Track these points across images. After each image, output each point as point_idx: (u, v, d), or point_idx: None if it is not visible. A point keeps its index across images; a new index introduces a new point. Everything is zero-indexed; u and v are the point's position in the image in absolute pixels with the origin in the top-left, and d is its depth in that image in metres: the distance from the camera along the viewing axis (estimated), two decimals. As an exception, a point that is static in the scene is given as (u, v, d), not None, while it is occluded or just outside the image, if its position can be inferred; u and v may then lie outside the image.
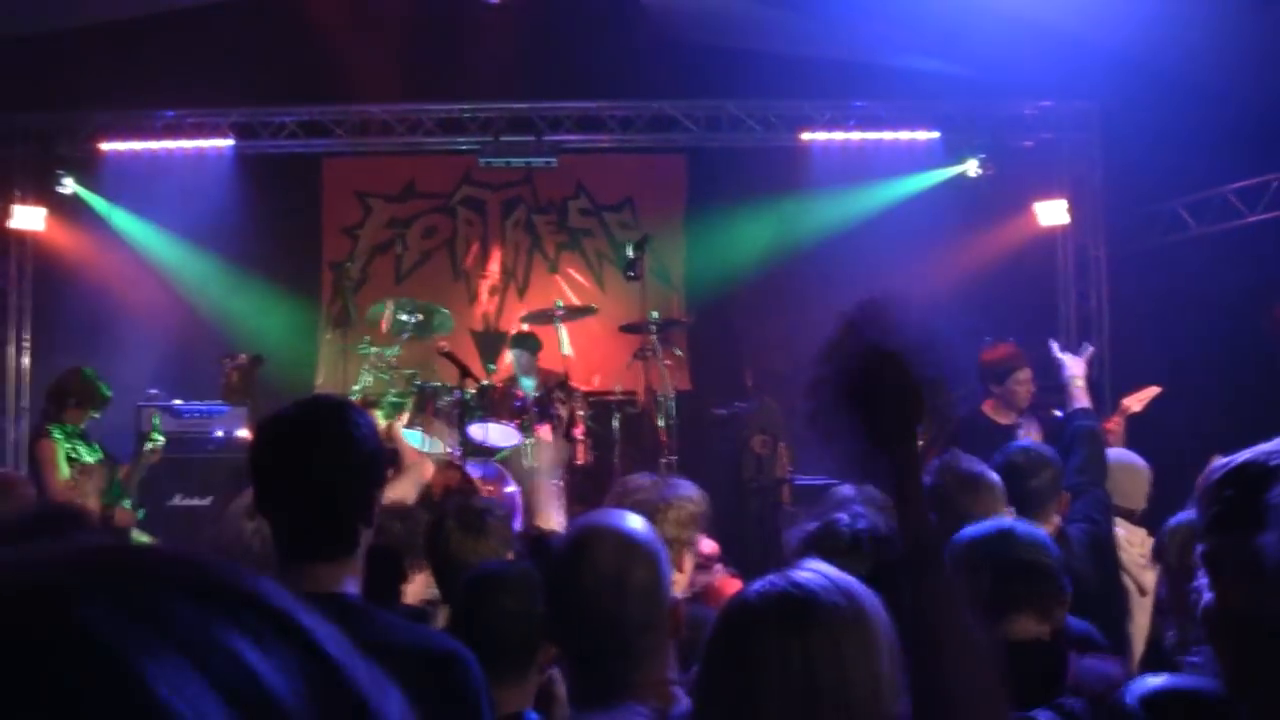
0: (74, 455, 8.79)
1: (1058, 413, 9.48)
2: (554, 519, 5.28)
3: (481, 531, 4.44)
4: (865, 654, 2.10)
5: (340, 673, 0.68)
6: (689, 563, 4.36)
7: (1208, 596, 1.98)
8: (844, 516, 3.48)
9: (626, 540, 2.82)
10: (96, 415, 9.36)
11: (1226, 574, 1.89)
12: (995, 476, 4.87)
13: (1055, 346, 7.04)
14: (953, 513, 4.51)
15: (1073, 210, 13.32)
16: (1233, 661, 1.97)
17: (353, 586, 2.97)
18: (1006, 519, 4.17)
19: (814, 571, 2.23)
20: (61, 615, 0.60)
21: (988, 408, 8.76)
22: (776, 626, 2.12)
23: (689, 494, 4.80)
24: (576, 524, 3.09)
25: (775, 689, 2.06)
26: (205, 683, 0.60)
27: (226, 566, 0.69)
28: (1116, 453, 6.86)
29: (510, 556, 4.66)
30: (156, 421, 9.42)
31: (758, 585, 2.22)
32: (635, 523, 2.94)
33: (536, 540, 4.81)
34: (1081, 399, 6.29)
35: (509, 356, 12.43)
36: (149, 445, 8.91)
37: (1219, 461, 1.91)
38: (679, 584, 4.28)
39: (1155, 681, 2.56)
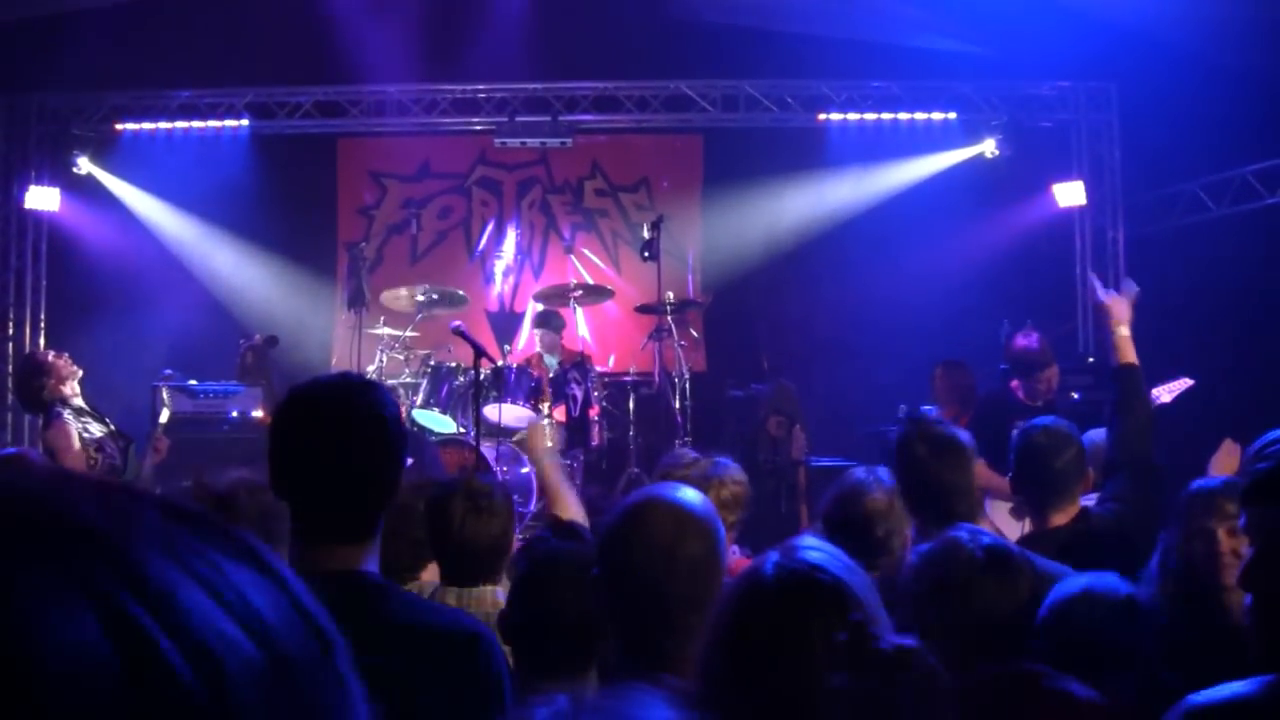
0: (85, 434, 8.77)
1: (1075, 395, 9.48)
2: (571, 504, 5.24)
3: (488, 511, 4.37)
4: (881, 624, 2.14)
5: (313, 616, 0.69)
6: (729, 542, 4.34)
7: (1246, 560, 1.98)
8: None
9: (682, 512, 2.78)
10: (79, 371, 9.16)
11: (1260, 541, 1.88)
12: (966, 436, 4.65)
13: (1096, 285, 6.07)
14: (923, 478, 4.44)
15: (1090, 191, 13.26)
16: (1264, 623, 1.96)
17: (373, 565, 2.95)
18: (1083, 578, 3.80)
19: (819, 549, 2.25)
20: (67, 519, 0.63)
21: (1015, 387, 8.85)
22: (816, 611, 2.11)
23: (736, 475, 4.77)
24: (633, 495, 3.05)
25: (821, 666, 2.06)
26: (194, 584, 0.62)
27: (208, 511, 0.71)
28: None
29: (517, 538, 4.62)
30: (165, 397, 9.46)
31: (772, 571, 2.21)
32: (692, 496, 2.91)
33: (559, 525, 4.78)
34: (1127, 353, 5.49)
35: (531, 334, 12.45)
36: (159, 424, 8.93)
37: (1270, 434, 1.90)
38: None
39: (1199, 697, 2.54)
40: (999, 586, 3.21)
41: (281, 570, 0.70)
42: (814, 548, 2.25)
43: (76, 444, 8.62)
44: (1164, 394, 8.52)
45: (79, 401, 8.89)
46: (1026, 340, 8.86)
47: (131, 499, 0.67)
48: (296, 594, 0.69)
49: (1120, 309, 5.58)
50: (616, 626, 2.87)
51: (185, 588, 0.62)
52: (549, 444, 5.77)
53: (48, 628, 0.57)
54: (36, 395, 8.83)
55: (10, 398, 13.29)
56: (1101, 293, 5.85)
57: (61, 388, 8.86)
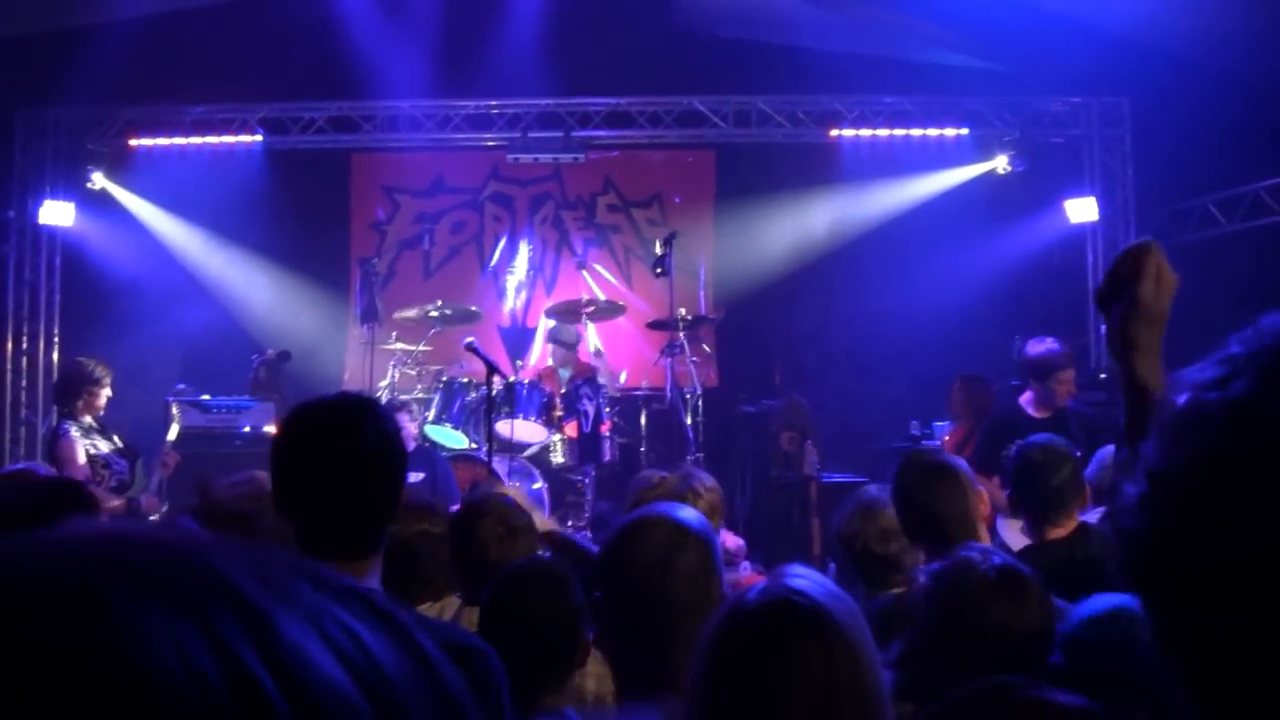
0: (93, 450, 8.82)
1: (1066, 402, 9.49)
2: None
3: (517, 535, 4.43)
4: (868, 650, 2.15)
5: (439, 669, 0.70)
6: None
7: None
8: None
9: (678, 526, 2.84)
10: (108, 393, 9.32)
11: None
12: (960, 462, 4.70)
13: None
14: (917, 508, 4.44)
15: (1102, 207, 13.25)
16: None
17: (375, 582, 2.97)
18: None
19: (804, 576, 2.25)
20: (208, 572, 0.65)
21: (1025, 401, 8.82)
22: (793, 633, 2.12)
23: (708, 484, 4.81)
24: (631, 513, 3.10)
25: (800, 695, 2.07)
26: (323, 644, 0.64)
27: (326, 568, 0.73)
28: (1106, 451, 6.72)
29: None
30: (175, 412, 9.54)
31: (754, 595, 2.22)
32: (688, 513, 2.97)
33: (556, 539, 4.79)
34: None
35: (545, 348, 12.46)
36: (169, 439, 9.04)
37: None
38: None
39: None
40: (1011, 606, 3.22)
41: (413, 630, 0.71)
42: (800, 575, 2.26)
43: (82, 458, 8.68)
44: None
45: (89, 419, 8.94)
46: (1045, 343, 8.91)
47: (274, 561, 0.69)
48: (425, 654, 0.70)
49: None
50: (617, 642, 2.90)
51: (306, 639, 0.63)
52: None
53: (164, 657, 0.59)
54: (73, 400, 8.93)
55: (23, 410, 13.36)
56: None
57: (97, 402, 8.99)
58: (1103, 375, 11.03)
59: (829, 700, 2.09)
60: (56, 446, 8.81)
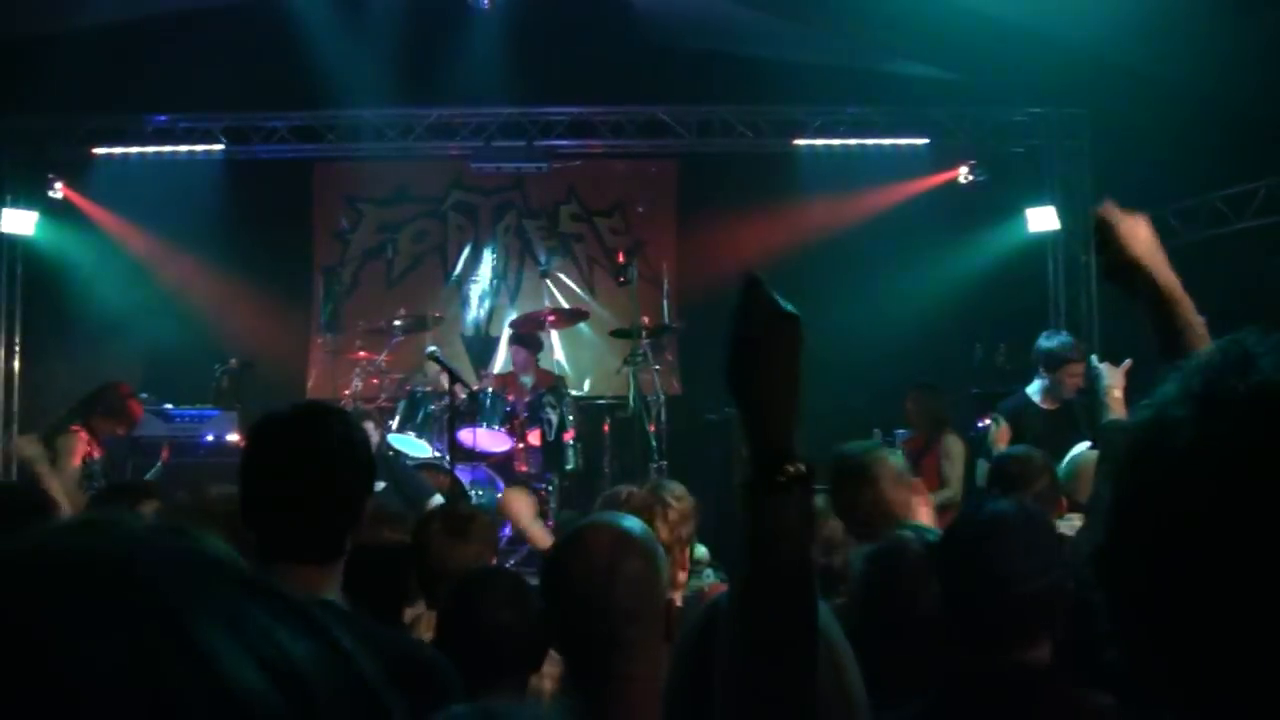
0: (89, 459, 8.88)
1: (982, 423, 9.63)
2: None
3: (464, 535, 4.44)
4: (846, 653, 2.18)
5: (356, 666, 0.73)
6: (687, 560, 4.41)
7: None
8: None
9: (621, 532, 2.86)
10: (121, 432, 9.46)
11: None
12: (868, 456, 4.83)
13: (1094, 358, 6.94)
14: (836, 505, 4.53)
15: (1062, 216, 13.33)
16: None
17: (336, 591, 2.99)
18: None
19: None
20: (133, 579, 0.68)
21: (1034, 391, 9.02)
22: None
23: (677, 492, 4.84)
24: (576, 522, 3.13)
25: None
26: (241, 646, 0.67)
27: (249, 565, 0.76)
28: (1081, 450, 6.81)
29: (494, 562, 4.68)
30: None
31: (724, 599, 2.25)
32: (631, 521, 2.99)
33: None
34: (1116, 410, 6.15)
35: (507, 356, 12.46)
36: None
37: None
38: (680, 581, 4.31)
39: None
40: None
41: (331, 628, 0.74)
42: None
43: (78, 459, 8.74)
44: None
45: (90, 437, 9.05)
46: (1058, 336, 9.17)
47: (202, 565, 0.72)
48: (344, 651, 0.73)
49: (1114, 377, 6.07)
50: (563, 646, 2.93)
51: (222, 640, 0.66)
52: (525, 508, 5.81)
53: (82, 660, 0.63)
54: (99, 414, 8.99)
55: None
56: (1097, 364, 6.33)
57: (113, 430, 9.04)
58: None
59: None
60: (63, 436, 8.85)
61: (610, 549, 2.79)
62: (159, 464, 10.24)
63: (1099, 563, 1.03)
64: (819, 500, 4.72)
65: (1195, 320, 2.70)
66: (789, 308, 2.00)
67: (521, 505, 5.92)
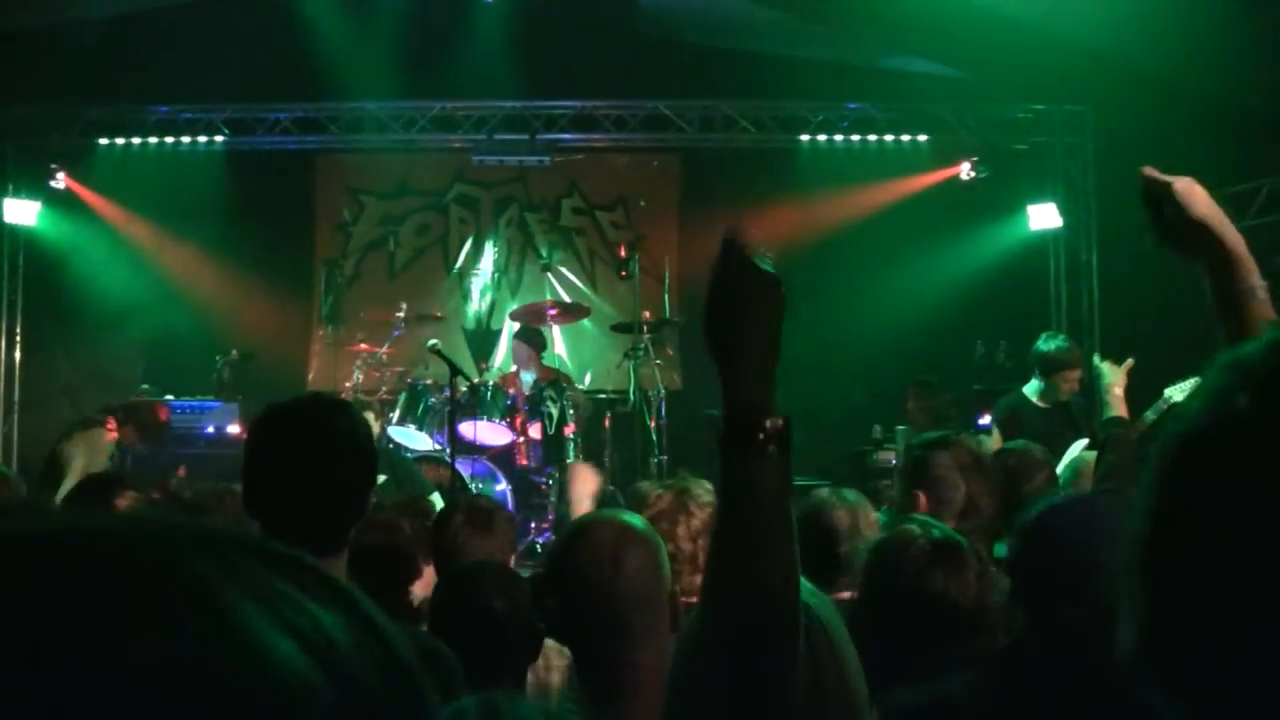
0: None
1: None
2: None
3: (488, 529, 4.48)
4: (848, 647, 2.18)
5: (395, 647, 0.71)
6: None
7: None
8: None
9: (624, 526, 2.88)
10: (141, 447, 9.48)
11: None
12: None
13: (1095, 356, 6.93)
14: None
15: (1064, 213, 13.33)
16: None
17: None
18: None
19: None
20: (171, 563, 0.67)
21: (1031, 390, 9.01)
22: None
23: (704, 498, 4.81)
24: (578, 518, 3.17)
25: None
26: (285, 628, 0.65)
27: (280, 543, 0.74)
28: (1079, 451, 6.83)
29: (513, 559, 4.72)
30: None
31: None
32: (633, 516, 3.02)
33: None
34: (1117, 407, 6.16)
35: (510, 350, 12.46)
36: None
37: None
38: (697, 585, 4.31)
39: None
40: (948, 576, 3.24)
41: (364, 603, 0.72)
42: None
43: (103, 458, 8.77)
44: (1177, 393, 8.64)
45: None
46: (1056, 340, 9.14)
47: (223, 541, 0.71)
48: (378, 626, 0.72)
49: (1114, 375, 6.07)
50: (569, 635, 2.94)
51: (262, 621, 0.65)
52: (590, 485, 5.78)
53: (123, 649, 0.61)
54: (133, 424, 9.03)
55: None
56: (1098, 362, 6.38)
57: (138, 444, 9.08)
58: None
59: (817, 699, 2.13)
60: (91, 429, 8.91)
61: (614, 540, 2.81)
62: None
63: (1137, 555, 1.01)
64: (825, 492, 4.72)
65: (1259, 284, 2.64)
66: (768, 268, 1.96)
67: (587, 481, 5.89)
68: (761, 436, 1.80)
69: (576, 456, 11.40)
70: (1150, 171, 2.72)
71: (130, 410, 9.37)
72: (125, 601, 0.63)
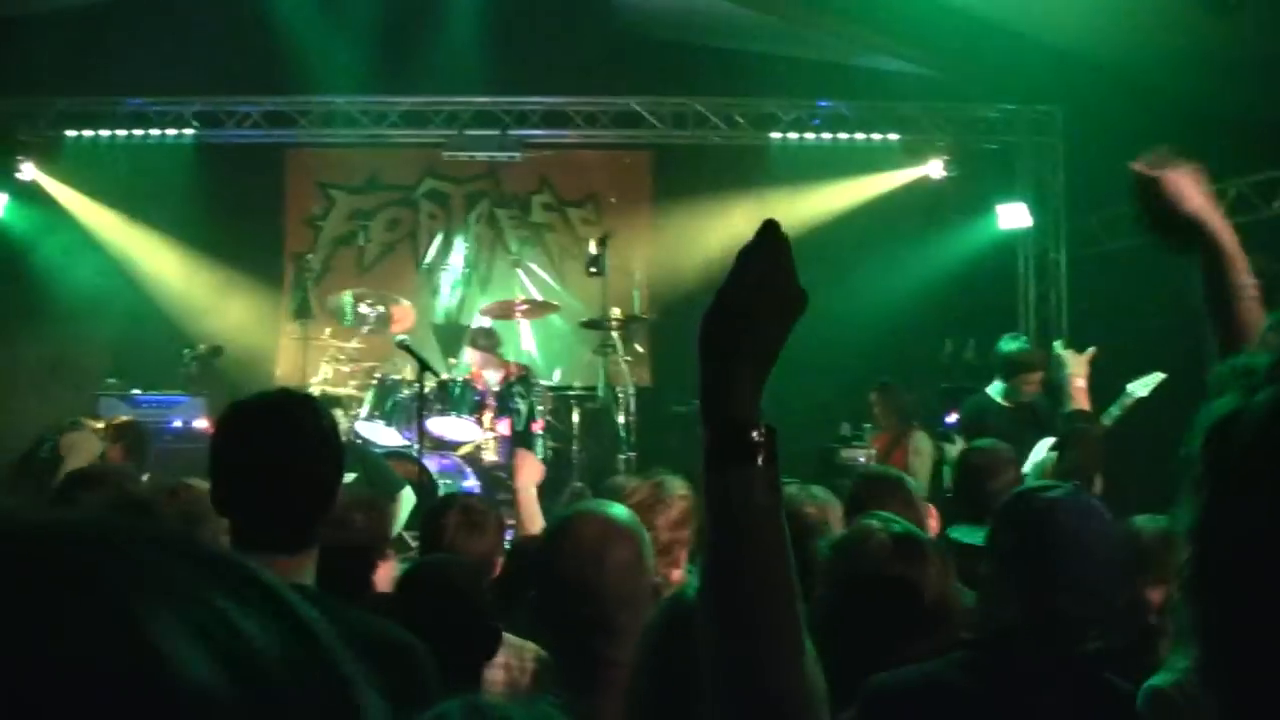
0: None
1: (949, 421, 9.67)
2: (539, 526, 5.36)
3: (481, 530, 4.51)
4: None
5: (325, 650, 0.71)
6: (684, 559, 4.41)
7: None
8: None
9: (608, 520, 2.89)
10: (117, 460, 9.44)
11: None
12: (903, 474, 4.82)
13: (1057, 344, 6.89)
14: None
15: (1034, 213, 13.38)
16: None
17: (310, 577, 2.98)
18: None
19: None
20: (76, 560, 0.65)
21: (994, 390, 9.05)
22: None
23: (680, 490, 4.82)
24: (562, 511, 3.16)
25: None
26: (193, 633, 0.64)
27: (219, 547, 0.73)
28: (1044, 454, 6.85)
29: (501, 560, 4.73)
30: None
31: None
32: (618, 509, 3.03)
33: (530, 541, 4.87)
34: (1079, 400, 6.12)
35: (470, 353, 12.43)
36: None
37: None
38: (675, 579, 4.31)
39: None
40: (908, 570, 3.25)
41: (300, 611, 0.72)
42: None
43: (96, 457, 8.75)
44: (1139, 389, 8.67)
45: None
46: (1017, 342, 9.19)
47: (152, 542, 0.70)
48: (315, 636, 0.71)
49: (1077, 365, 6.02)
50: (552, 631, 2.94)
51: (171, 630, 0.64)
52: (534, 475, 5.86)
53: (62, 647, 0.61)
54: (122, 443, 8.98)
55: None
56: (1060, 350, 6.65)
57: (120, 460, 9.03)
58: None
59: None
60: (77, 431, 8.89)
61: (599, 536, 2.82)
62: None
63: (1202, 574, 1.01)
64: (793, 489, 4.72)
65: (1249, 283, 2.65)
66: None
67: (531, 470, 5.94)
68: (751, 447, 1.78)
69: (545, 452, 11.40)
70: (1140, 166, 2.72)
71: (122, 430, 9.30)
72: (27, 602, 0.62)
